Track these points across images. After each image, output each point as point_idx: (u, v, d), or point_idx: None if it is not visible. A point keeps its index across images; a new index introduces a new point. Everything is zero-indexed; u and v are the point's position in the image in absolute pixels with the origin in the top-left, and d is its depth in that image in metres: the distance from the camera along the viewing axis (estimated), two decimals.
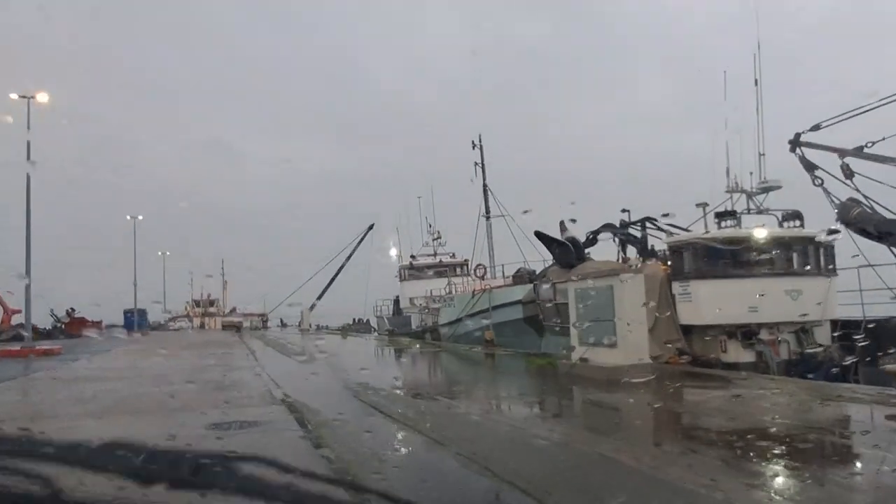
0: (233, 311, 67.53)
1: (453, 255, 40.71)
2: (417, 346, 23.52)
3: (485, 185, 31.32)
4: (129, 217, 48.67)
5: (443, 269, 39.11)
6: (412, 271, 40.10)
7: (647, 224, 18.39)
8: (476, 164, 31.52)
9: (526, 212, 28.20)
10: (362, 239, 59.25)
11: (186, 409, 8.30)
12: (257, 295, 64.14)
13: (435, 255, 40.94)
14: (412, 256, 41.14)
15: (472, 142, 31.57)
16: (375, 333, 45.22)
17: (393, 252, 43.34)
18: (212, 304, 77.52)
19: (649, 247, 18.57)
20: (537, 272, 29.09)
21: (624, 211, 19.75)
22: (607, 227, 19.50)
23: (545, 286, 19.71)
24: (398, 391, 10.77)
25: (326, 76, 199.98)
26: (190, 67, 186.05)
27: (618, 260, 19.86)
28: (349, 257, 59.79)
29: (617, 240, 19.35)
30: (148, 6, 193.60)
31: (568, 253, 18.90)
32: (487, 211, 31.16)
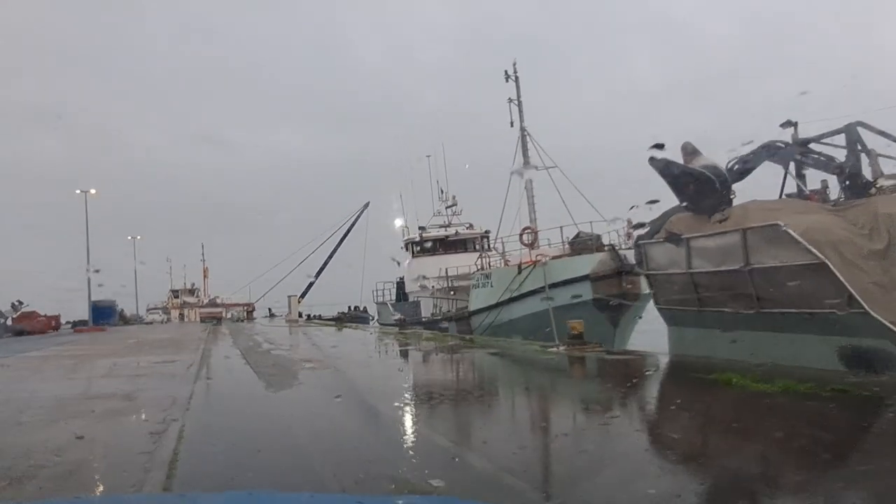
0: (212, 301, 59.84)
1: (471, 226, 33.23)
2: (451, 344, 16.12)
3: (522, 129, 23.82)
4: (78, 191, 40.73)
5: (461, 243, 31.71)
6: (422, 246, 32.62)
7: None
8: (510, 100, 23.98)
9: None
10: (357, 218, 51.80)
11: None
12: (244, 283, 56.75)
13: (449, 225, 33.44)
14: (421, 228, 33.62)
15: (506, 72, 24.00)
16: (376, 324, 37.93)
17: (398, 222, 35.78)
18: (191, 293, 69.94)
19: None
20: (601, 237, 21.85)
21: (787, 125, 12.33)
22: (770, 148, 12.10)
23: (665, 246, 12.37)
24: None
25: (314, 64, 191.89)
26: (176, 56, 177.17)
27: (780, 195, 12.51)
28: (343, 238, 52.36)
29: (791, 166, 11.96)
30: None
31: (710, 189, 11.55)
32: (526, 161, 23.68)
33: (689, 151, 12.19)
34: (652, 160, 11.76)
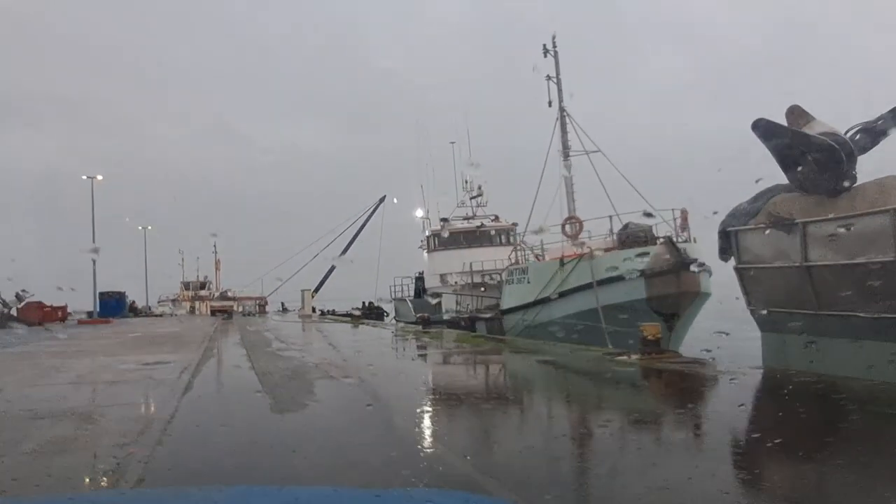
0: (224, 294, 58.12)
1: (496, 218, 31.04)
2: (489, 347, 13.89)
3: (561, 108, 21.47)
4: (84, 177, 38.99)
5: (486, 236, 29.50)
6: (444, 239, 30.41)
7: None
8: (549, 77, 21.61)
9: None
10: (373, 212, 49.76)
11: None
12: (257, 277, 55.02)
13: (473, 217, 31.22)
14: (443, 220, 31.43)
15: (544, 46, 21.65)
16: (393, 321, 35.84)
17: (419, 213, 33.57)
18: (203, 286, 68.36)
19: None
20: (652, 228, 19.56)
21: None
22: None
23: (768, 233, 10.05)
24: None
25: (330, 60, 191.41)
26: (193, 49, 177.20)
27: None
28: (358, 232, 50.33)
29: None
30: None
31: (833, 162, 9.22)
32: (565, 144, 21.33)
33: (799, 115, 9.86)
34: (756, 124, 9.44)
